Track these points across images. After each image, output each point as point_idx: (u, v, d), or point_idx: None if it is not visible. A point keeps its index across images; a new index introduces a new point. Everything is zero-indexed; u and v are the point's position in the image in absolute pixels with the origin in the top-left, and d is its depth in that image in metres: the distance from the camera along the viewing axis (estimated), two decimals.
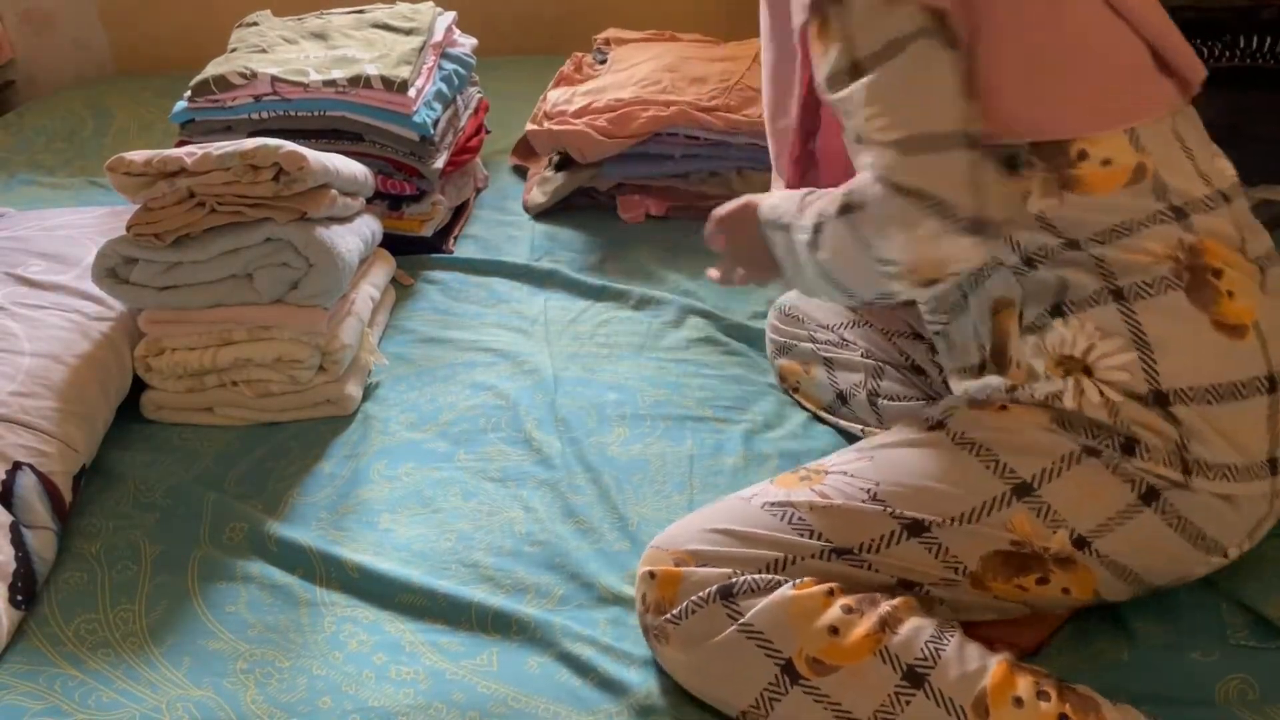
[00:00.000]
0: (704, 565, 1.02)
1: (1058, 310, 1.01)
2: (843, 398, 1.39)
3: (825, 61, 1.00)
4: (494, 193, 2.05)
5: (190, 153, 1.38)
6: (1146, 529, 0.97)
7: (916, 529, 1.00)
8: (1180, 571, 1.02)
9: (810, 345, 1.44)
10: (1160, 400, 0.96)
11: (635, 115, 1.84)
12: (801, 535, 1.01)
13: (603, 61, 2.13)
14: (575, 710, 1.04)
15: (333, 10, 2.00)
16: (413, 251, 1.81)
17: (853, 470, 1.05)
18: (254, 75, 1.72)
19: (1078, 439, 0.99)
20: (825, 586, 0.98)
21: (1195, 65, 1.06)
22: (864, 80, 0.97)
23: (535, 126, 1.92)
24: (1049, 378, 1.01)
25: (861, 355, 1.38)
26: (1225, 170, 1.06)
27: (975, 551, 0.99)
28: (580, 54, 2.19)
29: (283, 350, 1.41)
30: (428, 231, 1.82)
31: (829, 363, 1.41)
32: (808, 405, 1.45)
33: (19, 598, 1.14)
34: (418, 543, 1.25)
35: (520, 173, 2.11)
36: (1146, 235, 0.98)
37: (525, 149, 2.10)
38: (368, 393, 1.51)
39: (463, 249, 1.87)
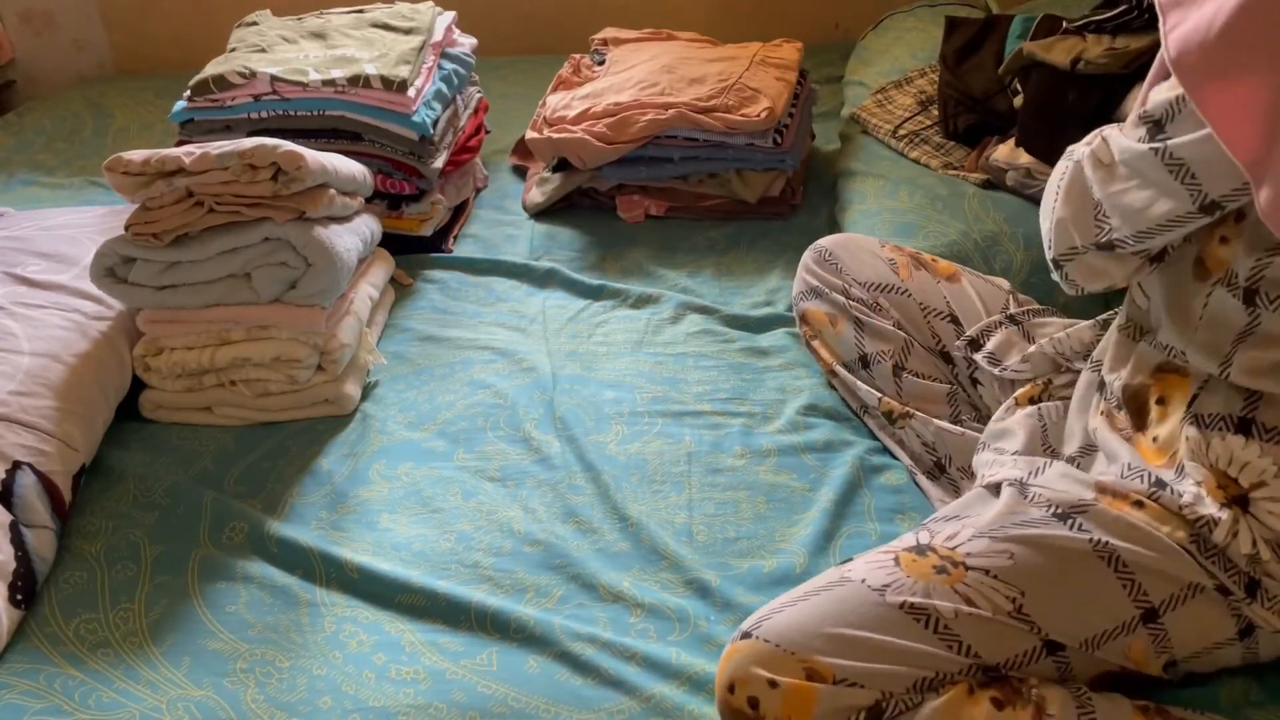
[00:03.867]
0: (843, 684, 0.90)
1: (1245, 426, 0.92)
2: (865, 361, 1.36)
3: None
4: (493, 192, 2.05)
5: (189, 152, 1.38)
6: (1227, 656, 0.97)
7: (1054, 648, 0.94)
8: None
9: (843, 299, 1.40)
10: None
11: (634, 119, 1.84)
12: (950, 649, 0.92)
13: (600, 63, 2.13)
14: (575, 710, 1.04)
15: (332, 10, 2.00)
16: (412, 251, 1.81)
17: (995, 569, 0.95)
18: (253, 75, 1.72)
19: (1210, 574, 0.94)
20: (963, 685, 0.92)
21: None
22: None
23: (535, 134, 1.92)
24: (1203, 494, 0.93)
25: (894, 325, 1.36)
26: None
27: (1090, 671, 0.96)
28: (578, 56, 2.19)
29: (281, 350, 1.41)
30: (427, 231, 1.82)
31: (859, 323, 1.38)
32: (824, 357, 1.42)
33: (19, 597, 1.15)
34: (417, 542, 1.25)
35: (520, 172, 2.11)
36: None
37: (524, 149, 2.11)
38: (366, 392, 1.51)
39: (462, 248, 1.87)
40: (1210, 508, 0.93)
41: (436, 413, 1.46)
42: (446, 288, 1.75)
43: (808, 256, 1.46)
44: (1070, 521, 0.97)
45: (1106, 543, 0.95)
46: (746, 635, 0.93)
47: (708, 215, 1.90)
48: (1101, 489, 0.99)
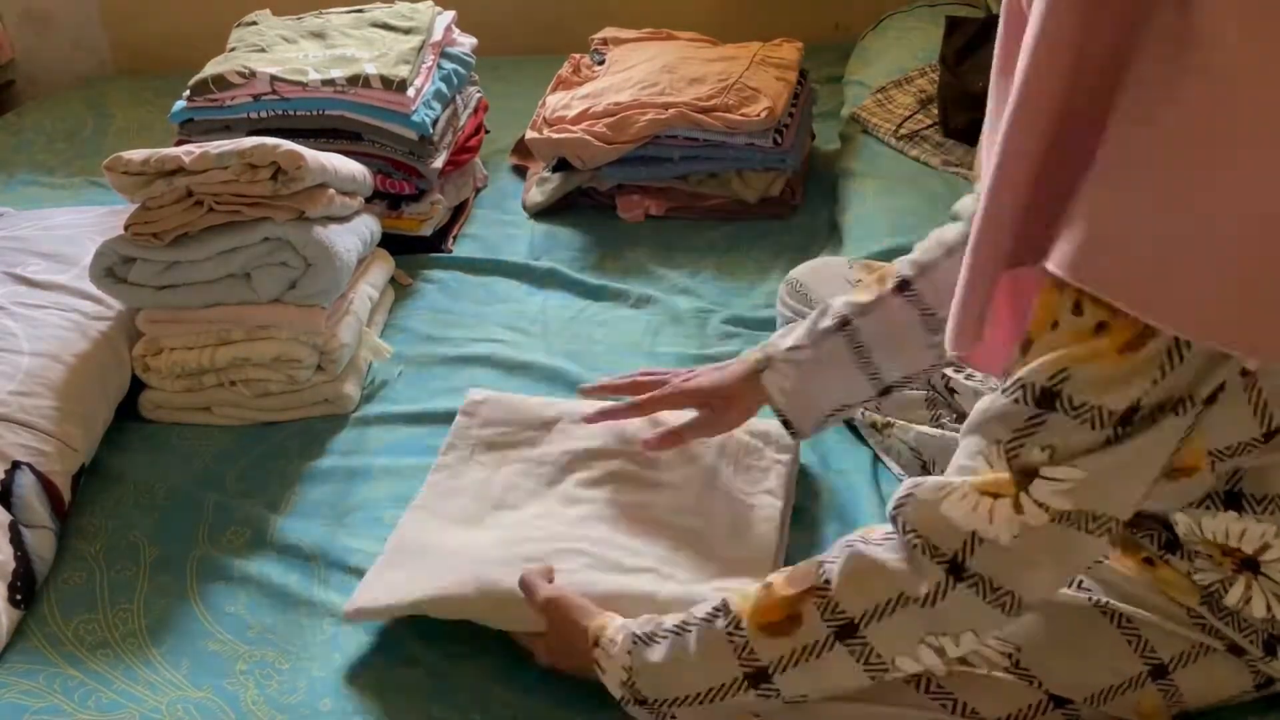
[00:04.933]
0: None
1: (1234, 501, 0.86)
2: None
3: None
4: (493, 192, 2.05)
5: (188, 151, 1.38)
6: (1243, 702, 0.95)
7: (1060, 702, 0.93)
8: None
9: None
10: None
11: (634, 119, 1.84)
12: (944, 709, 0.91)
13: (600, 63, 2.13)
14: (576, 710, 1.04)
15: (332, 10, 2.00)
16: (412, 251, 1.80)
17: None
18: (253, 74, 1.72)
19: (1223, 634, 0.92)
20: None
21: None
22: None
23: (535, 134, 1.92)
24: (1210, 561, 0.90)
25: None
26: None
27: None
28: (578, 55, 2.18)
29: (281, 350, 1.41)
30: (427, 231, 1.82)
31: None
32: None
33: (18, 597, 1.14)
34: None
35: (519, 172, 2.11)
36: None
37: (524, 149, 2.10)
38: (366, 392, 1.51)
39: (462, 248, 1.86)
40: (1218, 573, 0.89)
41: (437, 413, 1.45)
42: (446, 288, 1.75)
43: (782, 290, 1.47)
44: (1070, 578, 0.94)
45: (1108, 602, 0.94)
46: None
47: (708, 215, 1.90)
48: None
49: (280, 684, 1.08)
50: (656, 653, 0.92)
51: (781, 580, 0.88)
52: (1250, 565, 0.88)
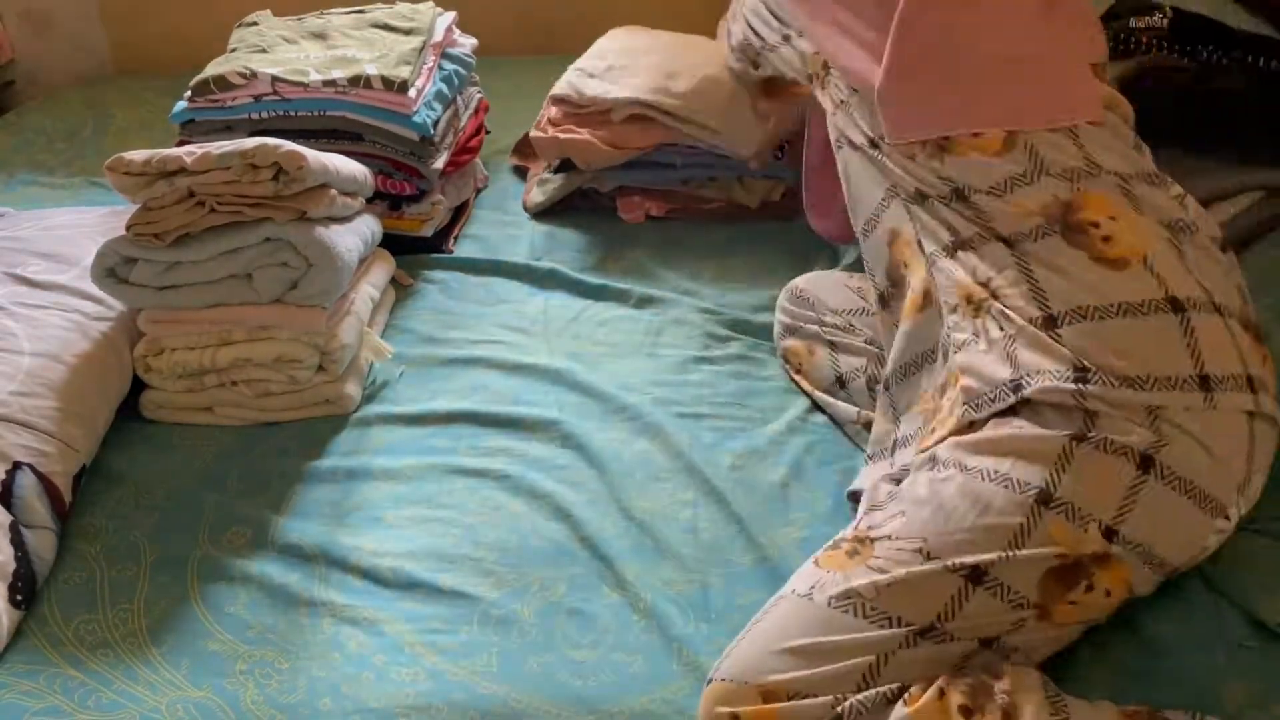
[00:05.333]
0: (797, 697, 0.93)
1: (952, 250, 1.11)
2: (842, 381, 1.41)
3: None
4: (494, 193, 2.05)
5: (190, 152, 1.38)
6: (1157, 500, 0.98)
7: (977, 577, 0.97)
8: (1195, 543, 1.02)
9: (817, 328, 1.46)
10: (1050, 324, 1.02)
11: (639, 128, 1.84)
12: (882, 627, 0.96)
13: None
14: (575, 711, 1.04)
15: (333, 10, 2.00)
16: (412, 251, 1.80)
17: (894, 532, 1.02)
18: (254, 75, 1.72)
19: (1054, 428, 1.00)
20: (934, 690, 0.92)
21: None
22: None
23: (540, 133, 1.92)
24: (961, 320, 1.08)
25: (865, 342, 1.41)
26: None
27: (1032, 579, 0.97)
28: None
29: (282, 350, 1.41)
30: (427, 231, 1.82)
31: (833, 345, 1.44)
32: (806, 388, 1.46)
33: (19, 597, 1.14)
34: (418, 543, 1.25)
35: (520, 173, 2.10)
36: (1020, 193, 1.10)
37: (525, 149, 2.10)
38: (367, 392, 1.51)
39: (462, 249, 1.87)
40: (965, 332, 1.08)
41: (437, 413, 1.45)
42: (447, 288, 1.75)
43: (782, 298, 1.53)
44: (932, 464, 1.05)
45: (966, 464, 1.02)
46: (710, 681, 0.97)
47: (708, 217, 1.90)
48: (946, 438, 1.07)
49: (280, 684, 1.08)
50: None
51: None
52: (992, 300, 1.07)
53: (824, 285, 1.50)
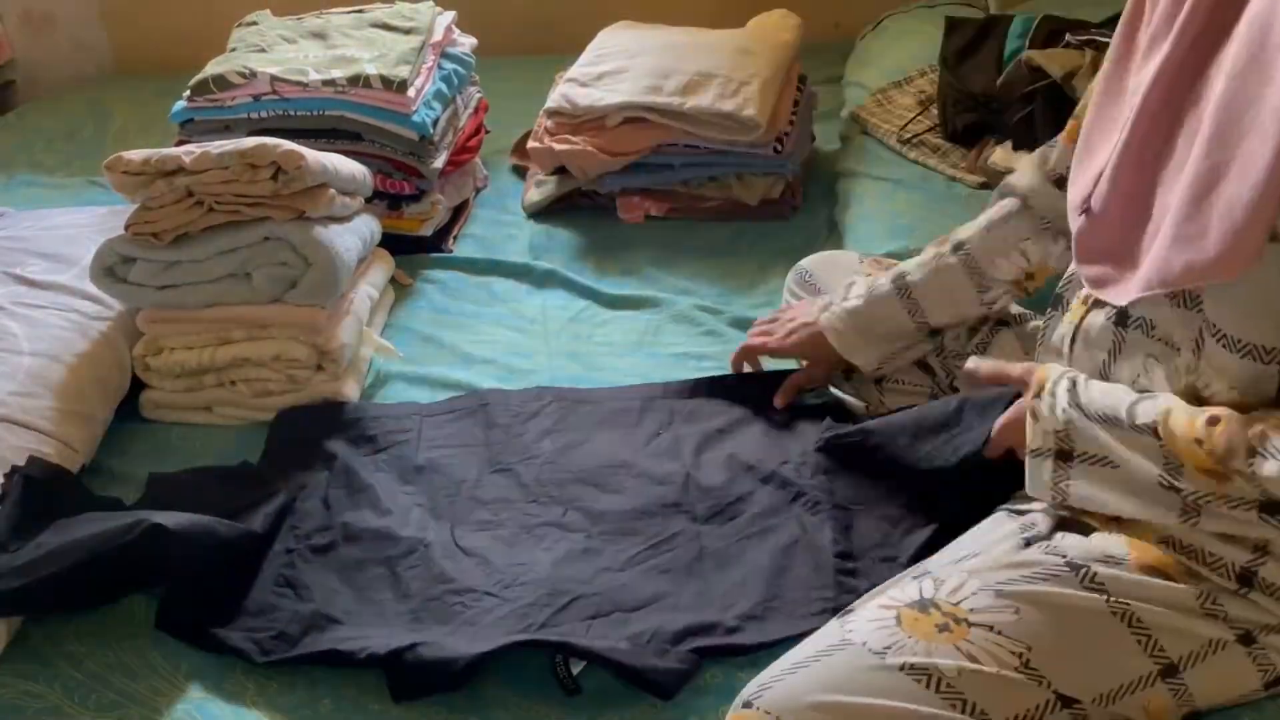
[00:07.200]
0: None
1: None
2: (846, 372, 1.37)
3: None
4: (493, 192, 2.05)
5: (189, 151, 1.38)
6: (1251, 700, 0.96)
7: (1066, 702, 0.92)
8: None
9: None
10: None
11: (635, 131, 1.84)
12: (953, 708, 0.89)
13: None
14: (576, 713, 1.04)
15: (332, 10, 2.00)
16: (412, 251, 1.80)
17: (999, 625, 0.93)
18: (253, 74, 1.72)
19: (1233, 625, 0.93)
20: None
21: None
22: None
23: (536, 143, 1.92)
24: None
25: None
26: None
27: None
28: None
29: (281, 349, 1.41)
30: (427, 231, 1.82)
31: None
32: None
33: None
34: None
35: (520, 173, 2.10)
36: None
37: (524, 149, 2.10)
38: (366, 392, 1.50)
39: (462, 248, 1.87)
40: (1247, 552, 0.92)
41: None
42: (446, 288, 1.75)
43: (790, 278, 1.48)
44: (1083, 573, 0.94)
45: (1119, 600, 0.93)
46: (748, 705, 0.91)
47: (707, 216, 1.90)
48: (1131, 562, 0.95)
49: (280, 684, 1.08)
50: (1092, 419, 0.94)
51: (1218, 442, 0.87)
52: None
53: (833, 268, 1.43)
